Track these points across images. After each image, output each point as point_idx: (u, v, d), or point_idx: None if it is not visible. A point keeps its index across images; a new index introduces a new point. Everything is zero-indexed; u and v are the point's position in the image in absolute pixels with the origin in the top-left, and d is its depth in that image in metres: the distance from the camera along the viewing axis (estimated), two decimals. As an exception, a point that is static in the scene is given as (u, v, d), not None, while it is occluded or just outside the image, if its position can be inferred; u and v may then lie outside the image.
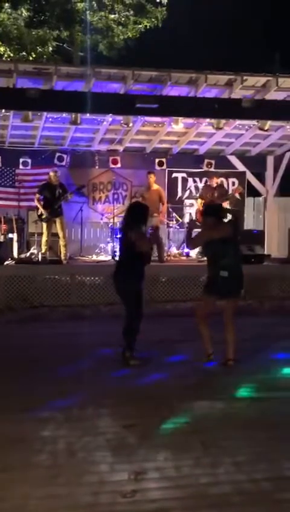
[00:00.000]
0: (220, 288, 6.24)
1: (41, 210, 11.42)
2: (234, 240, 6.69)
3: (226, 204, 12.43)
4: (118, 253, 6.76)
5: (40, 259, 11.28)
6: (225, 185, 14.11)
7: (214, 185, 12.66)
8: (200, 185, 14.49)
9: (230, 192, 13.56)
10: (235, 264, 6.34)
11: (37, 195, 11.59)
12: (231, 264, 6.26)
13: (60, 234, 11.54)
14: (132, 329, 6.43)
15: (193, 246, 6.49)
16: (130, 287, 6.49)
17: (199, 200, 12.78)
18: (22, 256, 11.77)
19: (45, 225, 11.49)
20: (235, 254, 6.45)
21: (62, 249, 11.56)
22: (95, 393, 5.37)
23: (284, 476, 3.79)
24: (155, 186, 12.39)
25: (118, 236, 6.74)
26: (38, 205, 11.49)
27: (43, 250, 11.43)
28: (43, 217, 11.43)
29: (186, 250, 13.23)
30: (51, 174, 11.72)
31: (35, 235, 12.25)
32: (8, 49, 19.04)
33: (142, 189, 12.48)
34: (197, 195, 13.59)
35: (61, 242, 11.57)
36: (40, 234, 11.74)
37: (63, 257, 11.45)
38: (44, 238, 11.48)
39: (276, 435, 4.41)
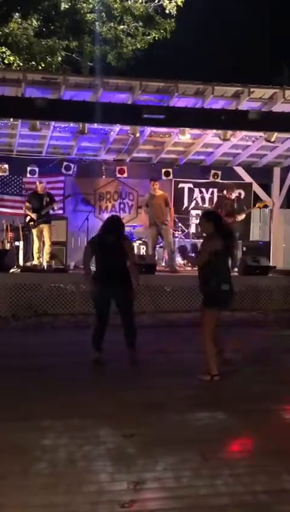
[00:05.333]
0: (223, 301, 6.26)
1: (30, 216, 11.76)
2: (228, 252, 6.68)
3: (241, 218, 12.44)
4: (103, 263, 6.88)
5: (45, 267, 11.35)
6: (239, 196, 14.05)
7: (233, 197, 12.48)
8: (207, 196, 14.51)
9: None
10: (229, 277, 6.40)
11: (27, 204, 11.90)
12: (229, 277, 6.32)
13: (47, 241, 11.86)
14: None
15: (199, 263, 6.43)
16: (131, 289, 6.78)
17: None
18: (28, 264, 11.83)
19: (34, 232, 11.77)
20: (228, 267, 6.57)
21: (46, 256, 11.82)
22: (96, 403, 5.38)
23: (284, 488, 3.77)
24: (159, 192, 12.13)
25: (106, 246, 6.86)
26: (28, 212, 11.81)
27: (35, 257, 11.73)
28: (31, 223, 11.74)
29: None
30: (37, 184, 12.09)
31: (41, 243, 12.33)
32: (17, 59, 19.14)
33: (147, 197, 12.30)
34: (210, 206, 13.61)
35: (46, 249, 11.86)
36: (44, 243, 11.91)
37: (45, 262, 11.63)
38: (35, 245, 11.80)
39: (276, 447, 4.39)
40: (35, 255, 11.74)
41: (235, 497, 3.59)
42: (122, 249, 6.82)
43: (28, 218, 11.84)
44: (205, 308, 6.32)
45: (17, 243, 12.04)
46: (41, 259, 11.73)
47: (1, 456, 4.09)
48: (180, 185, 14.56)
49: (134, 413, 5.07)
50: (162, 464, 4.00)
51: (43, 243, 11.87)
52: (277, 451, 4.31)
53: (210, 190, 14.58)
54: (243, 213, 12.45)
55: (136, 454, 4.17)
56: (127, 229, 12.00)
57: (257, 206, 13.74)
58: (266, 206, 15.17)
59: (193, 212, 14.11)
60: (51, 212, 12.04)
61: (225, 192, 12.59)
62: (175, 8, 20.09)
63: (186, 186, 14.63)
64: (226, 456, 4.19)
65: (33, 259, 11.89)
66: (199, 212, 13.88)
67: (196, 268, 6.74)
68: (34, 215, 11.72)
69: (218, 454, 4.22)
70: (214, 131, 12.15)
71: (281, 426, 4.95)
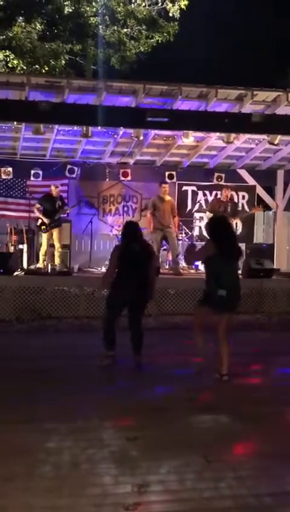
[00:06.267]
0: (220, 304, 6.24)
1: (42, 220, 11.77)
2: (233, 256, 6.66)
3: (236, 221, 12.43)
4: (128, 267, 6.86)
5: (49, 270, 11.37)
6: (235, 199, 14.11)
7: (227, 198, 12.61)
8: (210, 198, 14.51)
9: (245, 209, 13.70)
10: (233, 281, 6.37)
11: (37, 206, 11.96)
12: (230, 282, 6.28)
13: (57, 245, 11.94)
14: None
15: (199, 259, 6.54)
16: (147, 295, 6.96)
17: (208, 214, 12.65)
18: (32, 267, 11.85)
19: (44, 236, 11.81)
20: (234, 271, 6.51)
21: (56, 259, 11.90)
22: (99, 405, 5.38)
23: (287, 491, 3.78)
24: (168, 198, 12.38)
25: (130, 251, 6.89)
26: (39, 215, 11.82)
27: (41, 260, 11.76)
28: (43, 227, 11.73)
29: (196, 263, 13.23)
30: (52, 187, 12.15)
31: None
32: (21, 62, 19.18)
33: (155, 199, 12.37)
34: (207, 208, 13.65)
35: (56, 253, 11.95)
36: (51, 245, 11.94)
37: (52, 265, 11.67)
38: (43, 248, 11.85)
39: (279, 450, 4.39)
40: (41, 258, 11.76)
41: (239, 499, 3.60)
42: (147, 257, 6.93)
43: (39, 222, 11.86)
44: (210, 309, 6.35)
45: (21, 246, 12.06)
46: (46, 262, 11.74)
47: (5, 458, 4.10)
48: (184, 188, 14.56)
49: (137, 416, 5.08)
50: (166, 467, 4.01)
51: (50, 245, 11.89)
52: (280, 453, 4.32)
53: (214, 193, 14.56)
54: (237, 216, 12.44)
55: (139, 457, 4.18)
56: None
57: (253, 210, 13.81)
58: (267, 209, 15.19)
59: (197, 215, 14.11)
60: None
61: (220, 195, 12.68)
62: (178, 11, 20.13)
63: (189, 189, 14.62)
64: (229, 458, 4.20)
65: (37, 262, 11.92)
66: (203, 214, 13.90)
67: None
68: (46, 220, 11.72)
69: (221, 456, 4.23)
70: (218, 134, 12.16)
71: (284, 429, 4.95)
